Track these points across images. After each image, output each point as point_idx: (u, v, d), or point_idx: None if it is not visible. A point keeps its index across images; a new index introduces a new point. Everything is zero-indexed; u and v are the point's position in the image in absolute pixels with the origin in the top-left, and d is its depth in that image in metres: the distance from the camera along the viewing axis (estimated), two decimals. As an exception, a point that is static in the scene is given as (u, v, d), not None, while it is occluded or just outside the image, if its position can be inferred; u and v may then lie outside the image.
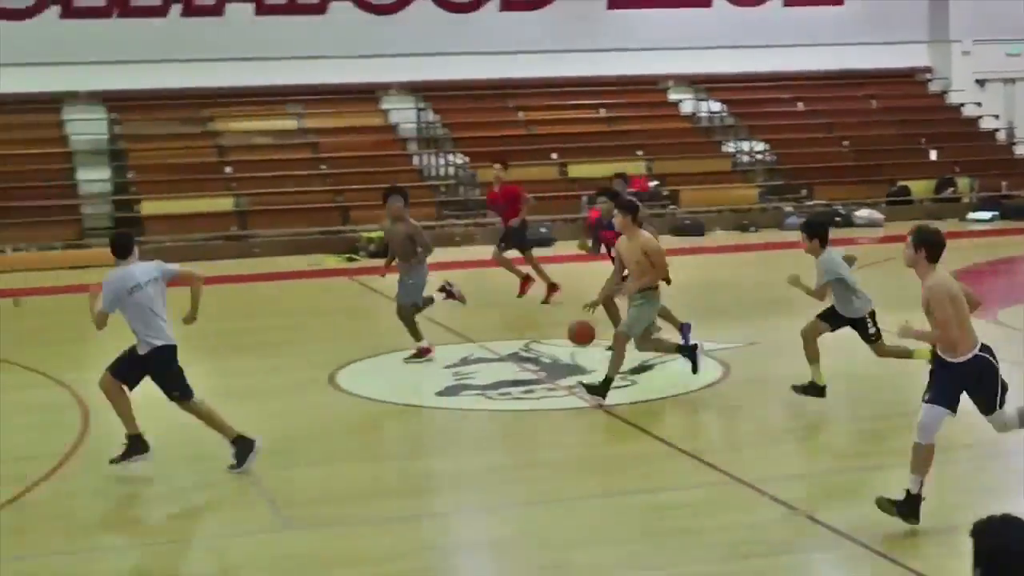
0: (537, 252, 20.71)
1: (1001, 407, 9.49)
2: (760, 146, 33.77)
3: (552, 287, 19.66)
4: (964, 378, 9.25)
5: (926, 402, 9.23)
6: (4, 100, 29.33)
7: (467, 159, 31.27)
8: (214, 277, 21.83)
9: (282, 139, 30.92)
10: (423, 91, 32.59)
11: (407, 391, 14.42)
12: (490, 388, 14.15)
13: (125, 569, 9.51)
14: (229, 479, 11.30)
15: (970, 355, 9.20)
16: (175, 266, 11.75)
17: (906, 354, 13.01)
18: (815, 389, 12.89)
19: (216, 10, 31.18)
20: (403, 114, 32.38)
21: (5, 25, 29.45)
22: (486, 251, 21.27)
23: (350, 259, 26.18)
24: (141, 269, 11.34)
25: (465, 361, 15.68)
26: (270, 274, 24.48)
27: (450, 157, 31.71)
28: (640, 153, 31.89)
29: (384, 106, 32.58)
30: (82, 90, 30.06)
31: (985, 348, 9.30)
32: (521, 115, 32.94)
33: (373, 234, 25.95)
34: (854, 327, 13.01)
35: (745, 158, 33.64)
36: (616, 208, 14.02)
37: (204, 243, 26.63)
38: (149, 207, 28.21)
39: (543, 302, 19.47)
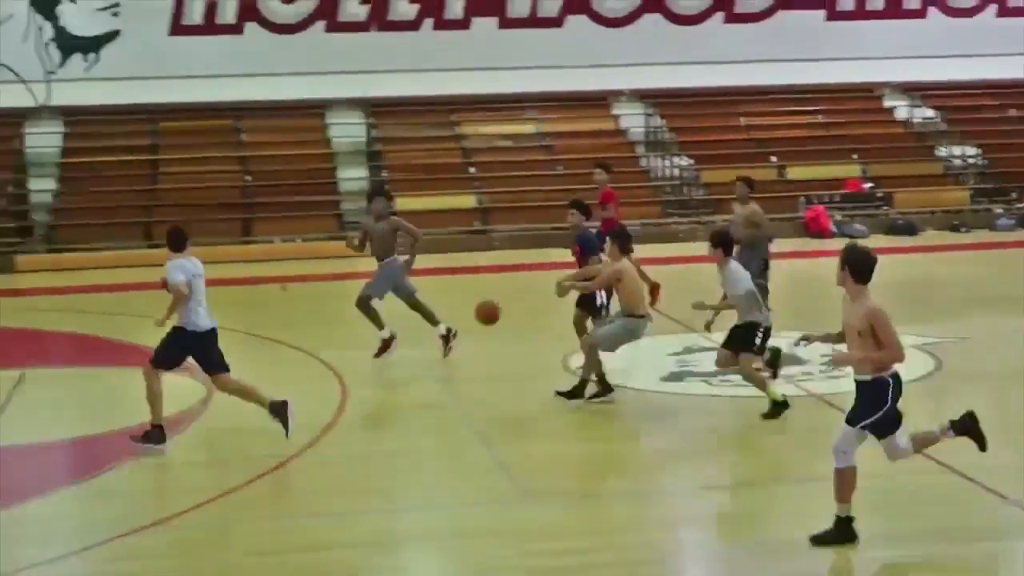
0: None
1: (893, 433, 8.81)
2: (972, 151, 32.62)
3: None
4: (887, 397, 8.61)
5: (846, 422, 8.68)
6: (275, 105, 30.21)
7: (691, 161, 31.00)
8: (458, 268, 22.15)
9: (521, 142, 31.11)
10: (651, 98, 32.39)
11: (633, 376, 14.32)
12: (712, 375, 13.97)
13: (375, 532, 9.63)
14: (470, 450, 11.41)
15: (875, 376, 8.55)
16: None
17: (762, 386, 12.28)
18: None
19: (464, 24, 31.52)
20: (632, 119, 32.24)
21: (278, 38, 30.34)
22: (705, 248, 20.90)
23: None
24: (196, 264, 11.79)
25: (688, 350, 15.52)
26: (508, 266, 24.66)
27: (675, 159, 31.46)
28: (855, 157, 31.18)
29: (615, 112, 32.52)
30: (343, 96, 30.71)
31: (895, 376, 8.66)
32: (743, 120, 32.48)
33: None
34: (737, 330, 12.35)
35: (957, 162, 32.55)
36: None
37: (449, 237, 26.95)
38: (402, 203, 28.60)
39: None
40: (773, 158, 30.86)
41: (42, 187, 28.92)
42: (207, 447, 12.33)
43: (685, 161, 31.29)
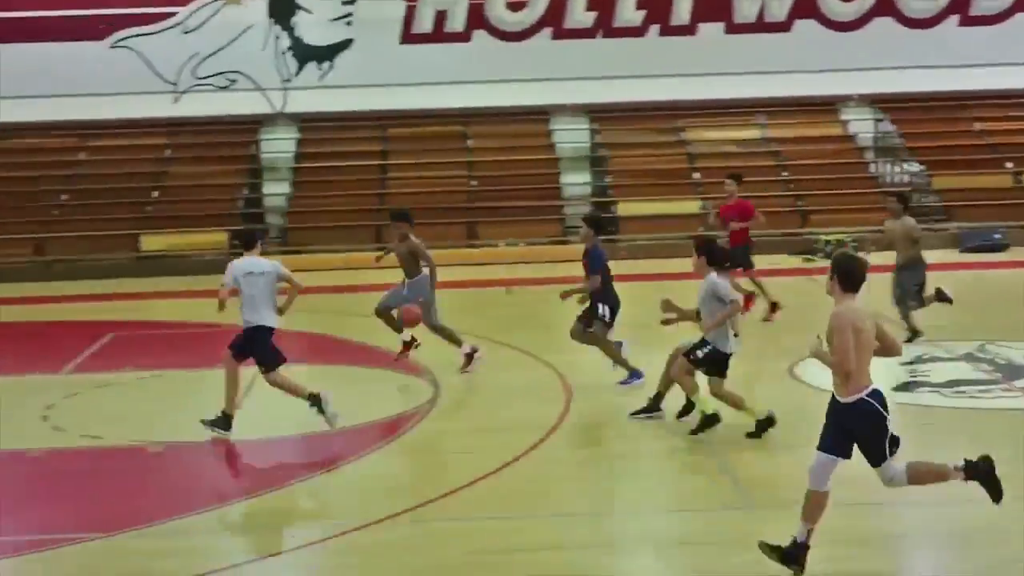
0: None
1: (889, 459, 8.36)
2: None
3: (774, 306, 18.15)
4: (850, 421, 8.23)
5: (817, 448, 8.29)
6: (501, 111, 30.53)
7: (922, 167, 30.15)
8: (681, 274, 21.98)
9: (747, 147, 30.74)
10: (881, 103, 31.66)
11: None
12: (945, 386, 13.54)
13: (600, 534, 9.62)
14: (695, 456, 11.29)
15: (854, 398, 8.19)
16: (286, 271, 12.90)
17: (738, 404, 11.84)
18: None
19: (690, 29, 31.31)
20: (861, 124, 31.55)
21: (504, 45, 30.67)
22: (942, 254, 20.36)
23: (807, 260, 25.75)
24: (258, 262, 12.61)
25: (919, 359, 15.08)
26: (732, 272, 24.34)
27: (905, 165, 30.65)
28: (1098, 163, 29.88)
29: (843, 117, 31.88)
30: (568, 103, 30.84)
31: (875, 394, 8.24)
32: (977, 125, 31.45)
33: (831, 236, 25.48)
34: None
35: None
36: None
37: (672, 242, 26.79)
38: (625, 208, 28.69)
39: (764, 319, 18.11)
40: (1009, 164, 29.78)
41: (276, 191, 29.86)
42: (433, 446, 12.50)
43: (915, 167, 30.46)
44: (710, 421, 11.85)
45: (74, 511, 10.67)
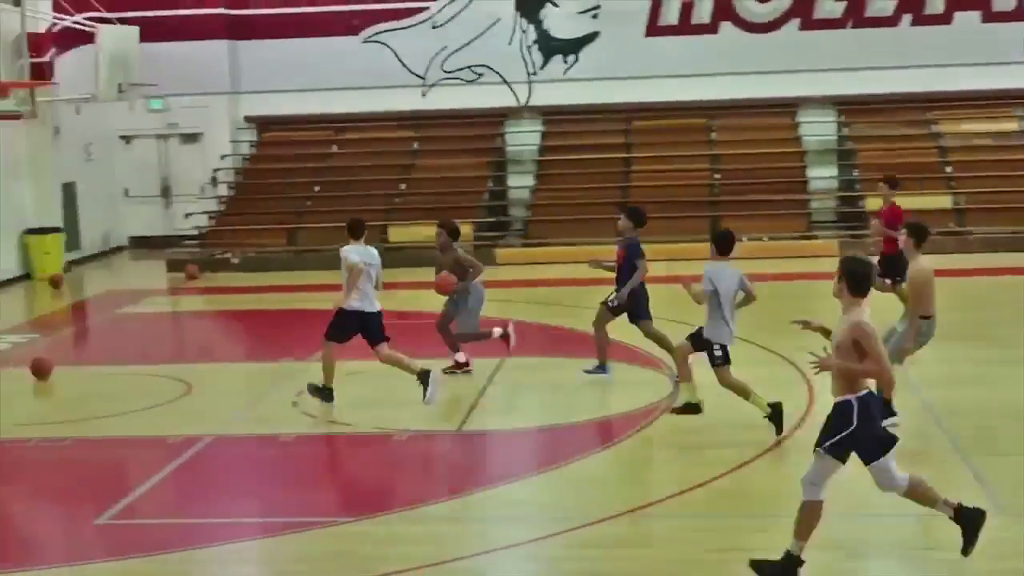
0: None
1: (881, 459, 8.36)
2: None
3: None
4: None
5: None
6: (746, 104, 30.24)
7: None
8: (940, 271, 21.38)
9: (1003, 140, 29.68)
10: None
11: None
12: None
13: (840, 537, 9.49)
14: (944, 460, 11.03)
15: (842, 399, 8.25)
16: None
17: (744, 394, 12.20)
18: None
19: (945, 19, 30.37)
20: None
21: (751, 37, 30.35)
22: None
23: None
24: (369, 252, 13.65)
25: None
26: (986, 269, 23.61)
27: None
28: None
29: (1112, 110, 30.45)
30: (815, 95, 30.33)
31: (866, 399, 8.24)
32: None
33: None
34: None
35: None
36: None
37: (923, 238, 26.03)
38: (873, 203, 28.03)
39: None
40: None
41: (520, 183, 30.24)
42: (674, 441, 12.51)
43: None
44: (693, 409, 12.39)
45: (324, 495, 11.09)
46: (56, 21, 26.08)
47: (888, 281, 16.47)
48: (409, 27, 31.14)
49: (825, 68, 29.77)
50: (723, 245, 12.44)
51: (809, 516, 8.44)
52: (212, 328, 20.90)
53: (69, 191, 28.39)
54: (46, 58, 26.36)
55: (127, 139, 31.18)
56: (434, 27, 30.98)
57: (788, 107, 30.77)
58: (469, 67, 30.94)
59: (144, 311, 22.27)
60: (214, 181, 30.43)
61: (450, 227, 15.58)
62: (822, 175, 29.43)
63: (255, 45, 31.28)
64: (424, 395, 13.43)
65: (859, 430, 8.27)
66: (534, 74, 30.91)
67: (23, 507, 11.58)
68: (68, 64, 27.14)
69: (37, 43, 24.66)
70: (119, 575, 9.40)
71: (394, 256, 27.45)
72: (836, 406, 8.40)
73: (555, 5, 30.81)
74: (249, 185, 30.28)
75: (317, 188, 29.81)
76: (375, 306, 13.66)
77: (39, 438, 13.37)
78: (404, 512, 10.38)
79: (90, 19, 25.41)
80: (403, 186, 29.69)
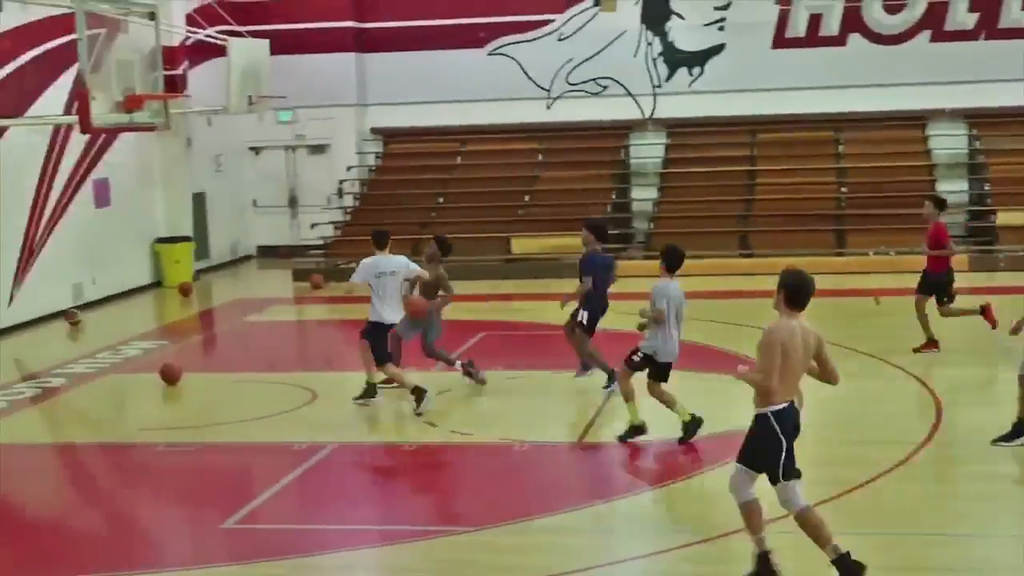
0: None
1: (784, 482, 8.44)
2: None
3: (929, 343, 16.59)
4: (751, 431, 8.46)
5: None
6: (875, 117, 29.82)
7: None
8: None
9: None
10: None
11: None
12: None
13: (968, 557, 9.31)
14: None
15: (760, 411, 8.35)
16: (415, 267, 14.72)
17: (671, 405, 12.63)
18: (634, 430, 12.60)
19: (1084, 29, 29.66)
20: None
21: (880, 49, 29.92)
22: None
23: None
24: (387, 261, 14.41)
25: None
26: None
27: None
28: None
29: None
30: (946, 107, 29.81)
31: (782, 414, 8.30)
32: None
33: None
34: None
35: None
36: None
37: (1056, 254, 25.50)
38: (1004, 218, 27.47)
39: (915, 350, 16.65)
40: None
41: (644, 196, 30.14)
42: (798, 457, 12.35)
43: None
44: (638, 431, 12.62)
45: (445, 504, 11.16)
46: (189, 35, 26.63)
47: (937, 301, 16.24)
48: (534, 40, 31.23)
49: (956, 80, 29.25)
50: (671, 262, 12.67)
51: (747, 514, 8.68)
52: (336, 337, 21.13)
53: (199, 201, 28.96)
54: (179, 71, 26.96)
55: (256, 150, 31.73)
56: (559, 39, 31.03)
57: (917, 120, 30.27)
58: (594, 79, 30.94)
59: (270, 319, 22.62)
60: (340, 192, 30.81)
61: (442, 241, 15.94)
62: (952, 189, 28.88)
63: (382, 58, 31.63)
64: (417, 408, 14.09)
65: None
66: (659, 86, 30.81)
67: (151, 511, 11.83)
68: (200, 77, 27.73)
69: (171, 56, 25.18)
70: (243, 579, 9.55)
71: (516, 268, 27.64)
72: (757, 419, 8.54)
73: (681, 17, 30.68)
74: (374, 196, 30.59)
75: (441, 199, 30.03)
76: (380, 317, 14.39)
77: (167, 443, 13.65)
78: (522, 522, 10.41)
79: (222, 32, 25.91)
80: (527, 198, 29.78)
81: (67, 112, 22.16)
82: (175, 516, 11.57)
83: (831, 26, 30.35)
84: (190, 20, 27.04)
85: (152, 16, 19.44)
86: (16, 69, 22.06)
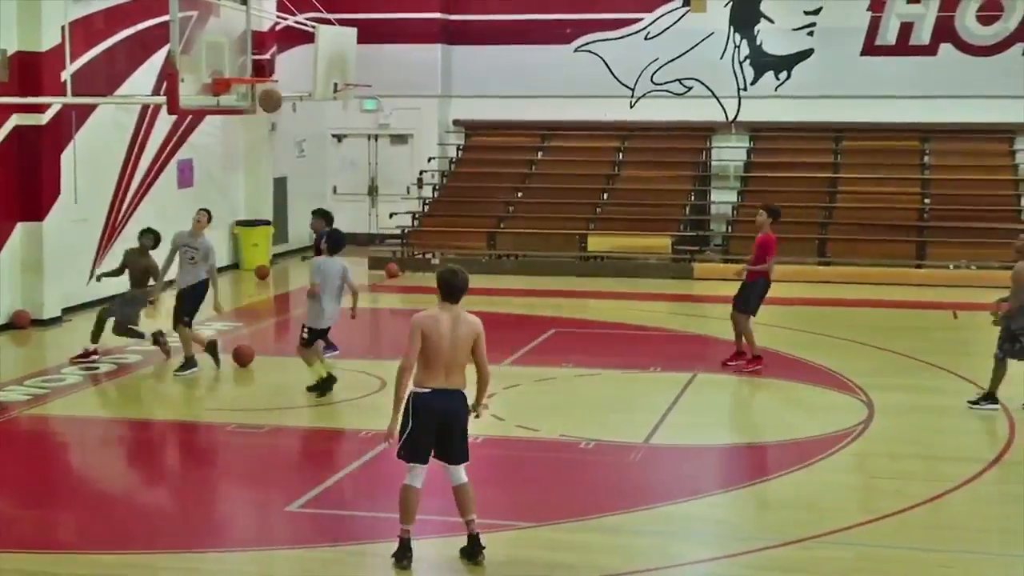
0: None
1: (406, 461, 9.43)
2: None
3: (753, 359, 16.28)
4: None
5: None
6: (962, 128, 29.43)
7: None
8: None
9: None
10: None
11: None
12: None
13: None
14: None
15: (409, 390, 9.30)
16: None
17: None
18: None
19: None
20: None
21: (971, 60, 29.53)
22: None
23: None
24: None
25: None
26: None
27: None
28: None
29: None
30: (1036, 121, 29.39)
31: (419, 397, 9.21)
32: None
33: None
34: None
35: None
36: None
37: None
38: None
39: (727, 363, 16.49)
40: None
41: (723, 199, 29.97)
42: (864, 468, 12.28)
43: None
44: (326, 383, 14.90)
45: (507, 498, 11.18)
46: (279, 20, 26.85)
47: None
48: (621, 38, 31.16)
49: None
50: (333, 245, 15.86)
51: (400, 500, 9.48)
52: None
53: (280, 186, 29.21)
54: (267, 56, 27.21)
55: (339, 138, 31.96)
56: (646, 38, 30.93)
57: (1005, 133, 29.86)
58: (678, 80, 30.81)
59: (344, 307, 22.71)
60: (420, 182, 30.94)
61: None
62: (1037, 204, 28.49)
63: (468, 50, 31.73)
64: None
65: (415, 431, 9.34)
66: (744, 89, 30.63)
67: (219, 490, 11.99)
68: (287, 62, 27.97)
69: (260, 40, 25.42)
70: (304, 562, 9.65)
71: (592, 265, 27.63)
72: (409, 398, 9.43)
73: (770, 21, 30.47)
74: (454, 188, 30.70)
75: (520, 194, 30.06)
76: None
77: (237, 424, 13.81)
78: (584, 520, 10.42)
79: (310, 19, 26.09)
80: (605, 196, 29.74)
81: (155, 92, 22.47)
82: (241, 497, 11.71)
83: (923, 35, 29.99)
84: (280, 6, 27.24)
85: (244, 1, 19.62)
86: (107, 48, 22.38)
